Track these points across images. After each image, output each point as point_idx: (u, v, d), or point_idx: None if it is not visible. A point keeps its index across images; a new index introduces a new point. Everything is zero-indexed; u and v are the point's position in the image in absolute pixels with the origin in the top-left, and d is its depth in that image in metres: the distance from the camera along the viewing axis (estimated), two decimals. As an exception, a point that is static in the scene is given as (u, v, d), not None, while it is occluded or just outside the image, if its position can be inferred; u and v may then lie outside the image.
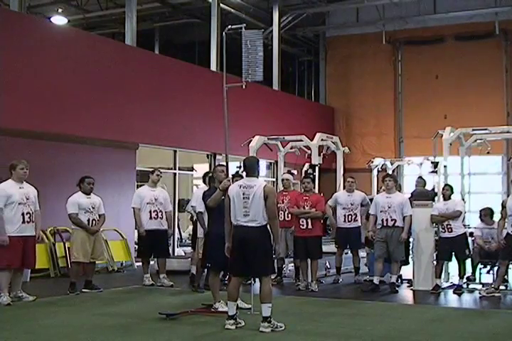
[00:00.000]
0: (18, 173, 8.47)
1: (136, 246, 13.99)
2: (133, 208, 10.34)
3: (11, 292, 8.50)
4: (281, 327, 6.78)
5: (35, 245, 8.70)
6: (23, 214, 8.35)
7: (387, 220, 9.83)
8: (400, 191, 10.79)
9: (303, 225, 9.79)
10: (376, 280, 9.85)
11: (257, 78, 7.81)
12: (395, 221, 9.81)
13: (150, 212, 10.16)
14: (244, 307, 7.71)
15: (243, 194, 6.82)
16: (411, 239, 10.40)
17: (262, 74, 7.82)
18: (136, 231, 14.07)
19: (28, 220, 8.41)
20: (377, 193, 12.58)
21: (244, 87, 7.63)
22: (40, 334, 6.66)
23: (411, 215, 9.87)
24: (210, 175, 8.90)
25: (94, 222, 9.41)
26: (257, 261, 6.78)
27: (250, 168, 6.99)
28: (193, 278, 10.05)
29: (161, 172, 10.68)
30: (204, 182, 10.05)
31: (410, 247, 10.60)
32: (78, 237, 9.29)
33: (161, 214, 10.22)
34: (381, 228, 9.90)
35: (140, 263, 12.63)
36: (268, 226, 6.83)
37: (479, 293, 9.40)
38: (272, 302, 6.78)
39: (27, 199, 8.45)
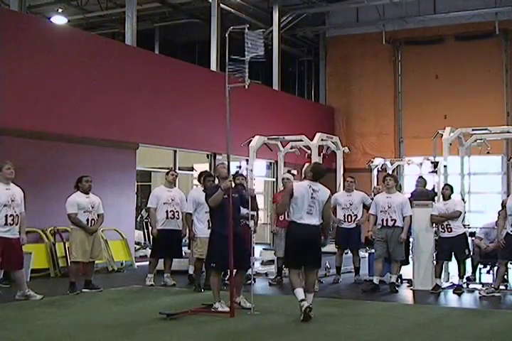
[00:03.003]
0: (5, 174, 8.35)
1: (136, 246, 14.06)
2: (149, 208, 10.37)
3: (18, 291, 8.52)
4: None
5: (19, 247, 8.55)
6: (6, 216, 8.23)
7: (387, 220, 9.84)
8: (400, 191, 10.78)
9: None
10: (376, 280, 9.86)
11: None
12: (395, 221, 9.82)
13: (167, 211, 10.14)
14: (247, 306, 7.72)
15: (311, 194, 7.39)
16: (411, 239, 10.41)
17: None
18: (136, 231, 14.15)
19: (11, 222, 8.28)
20: (373, 193, 12.60)
21: (247, 87, 7.63)
22: (40, 333, 6.66)
23: (411, 216, 9.88)
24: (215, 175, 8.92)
25: (93, 221, 9.39)
26: (318, 255, 7.55)
27: (319, 175, 7.58)
28: (192, 278, 10.07)
29: (176, 173, 10.74)
30: (199, 181, 10.07)
31: (410, 247, 10.60)
32: (77, 237, 9.27)
33: (178, 215, 10.20)
34: (381, 228, 9.91)
35: (140, 263, 12.71)
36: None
37: (479, 293, 9.40)
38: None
39: (12, 201, 8.33)
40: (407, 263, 10.56)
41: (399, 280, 10.37)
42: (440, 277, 9.89)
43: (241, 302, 7.79)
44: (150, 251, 11.21)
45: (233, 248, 7.44)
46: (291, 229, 7.54)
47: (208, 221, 9.47)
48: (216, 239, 7.74)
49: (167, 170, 10.81)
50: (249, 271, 8.26)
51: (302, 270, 7.74)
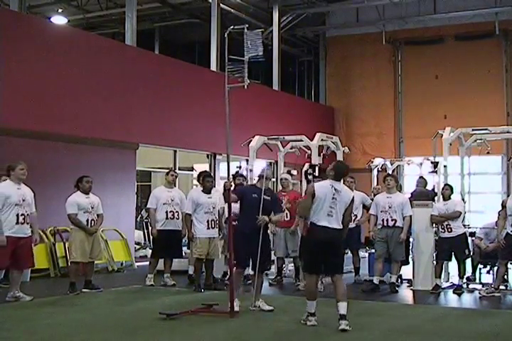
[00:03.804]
0: (18, 174, 8.43)
1: (136, 246, 14.07)
2: (149, 208, 10.37)
3: (9, 292, 8.51)
4: (349, 326, 6.70)
5: (30, 246, 8.61)
6: (17, 215, 8.30)
7: (387, 220, 9.83)
8: (400, 191, 10.77)
9: None
10: (376, 280, 9.86)
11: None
12: (396, 221, 9.81)
13: (166, 212, 10.13)
14: (266, 309, 7.73)
15: (333, 195, 6.99)
16: (411, 239, 10.40)
17: None
18: (136, 231, 14.16)
19: (22, 221, 8.36)
20: (372, 194, 12.62)
21: (246, 87, 7.63)
22: (40, 334, 6.65)
23: (411, 216, 9.88)
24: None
25: (93, 222, 9.40)
26: (337, 260, 7.09)
27: (341, 174, 7.20)
28: (192, 278, 10.06)
29: (176, 173, 10.72)
30: (199, 181, 10.07)
31: (410, 247, 10.60)
32: (77, 237, 9.28)
33: (177, 215, 10.19)
34: (381, 228, 9.91)
35: (140, 263, 12.72)
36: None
37: (479, 293, 9.40)
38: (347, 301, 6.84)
39: (23, 200, 8.41)
40: (407, 263, 10.56)
41: (399, 281, 10.37)
42: (440, 277, 9.89)
43: (260, 305, 7.78)
44: (150, 251, 11.20)
45: (256, 249, 7.54)
46: (309, 232, 7.04)
47: (208, 221, 9.50)
48: (236, 237, 7.77)
49: (167, 171, 10.81)
50: (249, 271, 8.27)
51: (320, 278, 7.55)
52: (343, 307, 6.76)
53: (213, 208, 9.55)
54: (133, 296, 9.28)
